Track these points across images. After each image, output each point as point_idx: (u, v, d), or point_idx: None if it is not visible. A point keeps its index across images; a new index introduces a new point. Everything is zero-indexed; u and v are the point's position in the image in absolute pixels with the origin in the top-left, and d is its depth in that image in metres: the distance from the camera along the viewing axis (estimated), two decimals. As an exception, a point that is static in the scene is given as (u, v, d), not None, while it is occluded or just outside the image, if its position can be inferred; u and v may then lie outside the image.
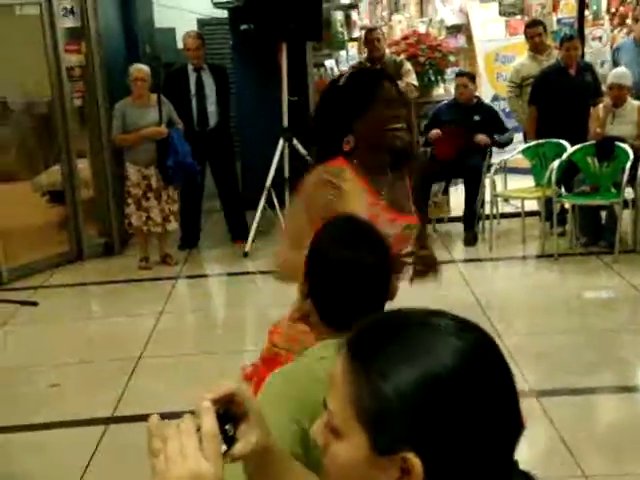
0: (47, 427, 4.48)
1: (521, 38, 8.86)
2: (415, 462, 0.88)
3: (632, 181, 6.85)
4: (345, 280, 1.77)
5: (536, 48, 8.07)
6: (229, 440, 1.06)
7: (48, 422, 4.52)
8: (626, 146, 6.86)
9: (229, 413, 1.07)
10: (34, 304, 4.06)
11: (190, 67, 7.69)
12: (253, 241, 7.51)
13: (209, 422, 1.00)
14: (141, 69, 7.17)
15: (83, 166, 7.84)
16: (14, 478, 3.63)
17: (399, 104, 2.59)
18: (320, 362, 1.76)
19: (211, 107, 7.70)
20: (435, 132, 7.70)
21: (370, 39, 8.07)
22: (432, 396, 0.89)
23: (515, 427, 0.95)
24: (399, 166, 2.66)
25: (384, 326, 0.97)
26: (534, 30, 8.06)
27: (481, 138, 7.59)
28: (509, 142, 7.93)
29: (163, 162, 7.09)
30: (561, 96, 7.46)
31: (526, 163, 7.86)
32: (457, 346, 0.92)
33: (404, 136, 2.59)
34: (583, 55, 8.11)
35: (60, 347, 5.63)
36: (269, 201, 7.66)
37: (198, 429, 1.00)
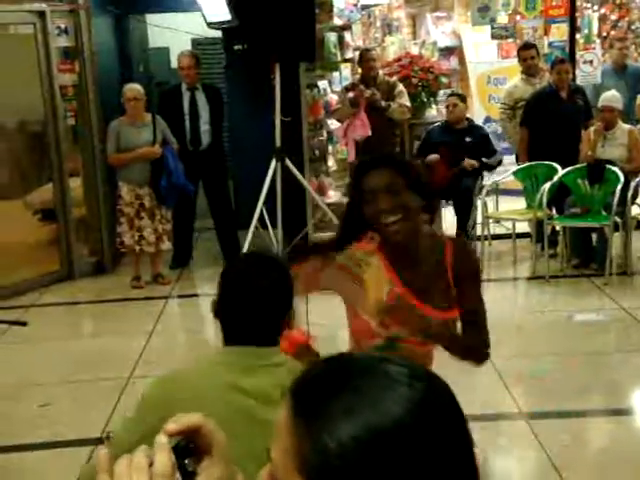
0: (36, 448, 4.46)
1: (513, 61, 8.93)
2: None
3: (622, 204, 6.89)
4: (240, 300, 2.08)
5: (529, 71, 8.13)
6: (188, 475, 1.00)
7: (37, 443, 4.50)
8: (617, 169, 6.90)
9: (192, 446, 1.02)
10: (23, 324, 4.05)
11: (184, 86, 7.73)
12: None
13: (162, 460, 0.94)
14: (135, 89, 7.20)
15: (75, 185, 7.85)
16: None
17: (386, 193, 2.34)
18: (215, 367, 2.07)
19: (204, 127, 7.73)
20: (434, 157, 7.71)
21: (366, 59, 8.13)
22: (378, 451, 0.84)
23: (468, 478, 0.90)
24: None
25: (330, 375, 0.91)
26: (527, 53, 8.12)
27: (468, 163, 7.64)
28: (497, 165, 7.98)
29: (157, 182, 7.10)
30: (553, 119, 7.52)
31: (518, 185, 7.90)
32: (407, 396, 0.87)
33: (399, 228, 2.35)
34: (574, 78, 8.16)
35: (50, 367, 5.61)
36: (261, 221, 7.67)
37: (152, 464, 0.95)
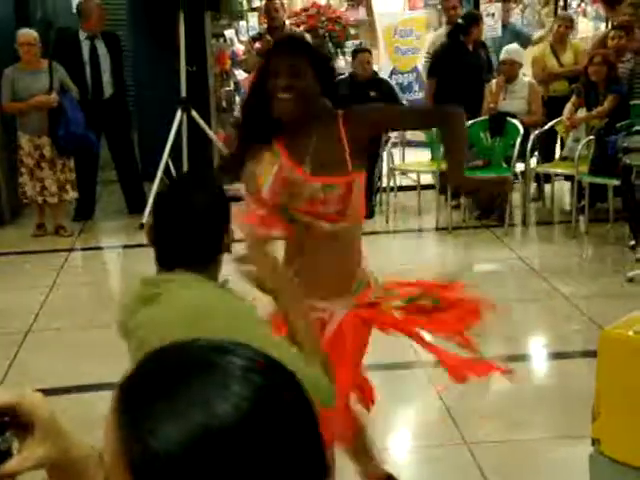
0: None
1: (420, 12, 8.98)
2: None
3: (522, 156, 7.05)
4: (175, 219, 1.96)
5: (451, 20, 8.19)
6: (1, 454, 0.98)
7: None
8: (517, 121, 7.04)
9: (8, 424, 0.98)
10: None
11: (82, 34, 7.50)
12: (150, 213, 7.39)
13: None
14: (27, 33, 7.00)
15: (-28, 134, 7.58)
16: None
17: (286, 75, 2.50)
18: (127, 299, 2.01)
19: (106, 77, 7.54)
20: None
21: (269, 8, 8.03)
22: (204, 453, 0.79)
23: (314, 474, 0.86)
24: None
25: (158, 372, 0.85)
26: (450, 3, 8.17)
27: None
28: None
29: (55, 131, 6.92)
30: (459, 71, 7.60)
31: (424, 137, 7.99)
32: (238, 393, 0.82)
33: (286, 105, 2.49)
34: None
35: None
36: (167, 172, 7.56)
37: None
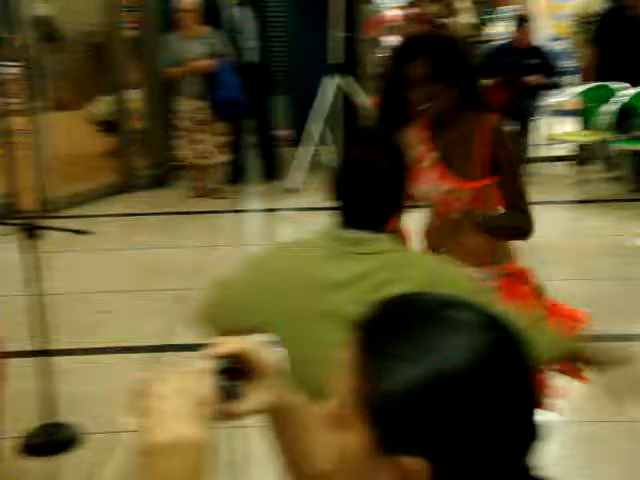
0: (96, 352, 4.59)
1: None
2: (416, 466, 0.85)
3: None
4: (357, 178, 1.93)
5: None
6: (232, 397, 1.03)
7: (96, 347, 4.63)
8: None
9: (237, 368, 1.05)
10: (87, 233, 4.13)
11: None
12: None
13: (204, 385, 0.97)
14: (188, 1, 7.16)
15: (139, 97, 7.89)
16: (60, 397, 3.70)
17: (420, 85, 2.48)
18: (308, 251, 1.97)
19: (253, 43, 7.69)
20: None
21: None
22: (440, 397, 0.84)
23: (529, 434, 0.89)
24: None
25: (399, 317, 0.90)
26: None
27: (532, 78, 7.48)
28: (558, 86, 7.80)
29: (212, 95, 7.12)
30: (624, 37, 7.28)
31: (571, 105, 7.74)
32: (472, 345, 0.86)
33: (430, 113, 2.53)
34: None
35: (110, 276, 5.73)
36: (322, 137, 7.65)
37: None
